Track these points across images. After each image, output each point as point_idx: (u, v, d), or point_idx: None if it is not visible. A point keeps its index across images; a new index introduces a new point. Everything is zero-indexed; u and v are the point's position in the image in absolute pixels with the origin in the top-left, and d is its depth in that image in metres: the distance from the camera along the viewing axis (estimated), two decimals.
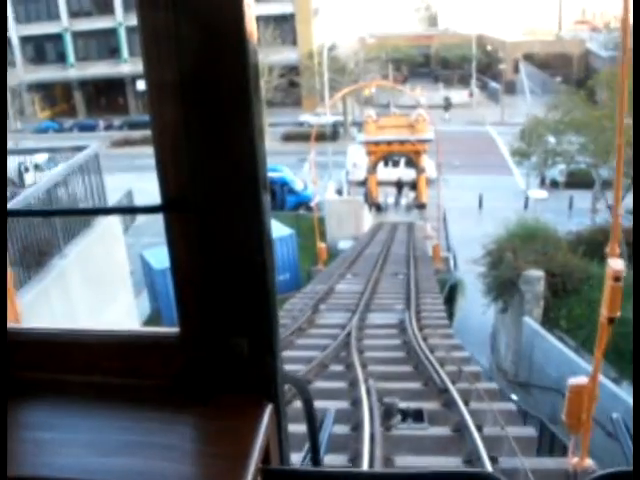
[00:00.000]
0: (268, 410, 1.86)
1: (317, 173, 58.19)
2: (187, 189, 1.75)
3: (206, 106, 1.69)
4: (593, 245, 26.35)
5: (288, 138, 68.48)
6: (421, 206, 49.70)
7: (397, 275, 24.81)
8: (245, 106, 1.68)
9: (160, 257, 33.06)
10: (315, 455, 2.40)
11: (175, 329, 1.93)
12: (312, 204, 50.76)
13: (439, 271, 31.79)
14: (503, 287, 23.30)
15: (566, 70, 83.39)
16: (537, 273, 22.25)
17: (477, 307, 29.73)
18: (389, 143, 49.38)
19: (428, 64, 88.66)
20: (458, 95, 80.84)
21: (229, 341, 1.89)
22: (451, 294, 32.64)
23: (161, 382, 1.94)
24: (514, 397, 18.13)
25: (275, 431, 1.91)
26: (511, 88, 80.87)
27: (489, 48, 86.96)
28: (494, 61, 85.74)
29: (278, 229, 38.37)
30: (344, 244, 40.83)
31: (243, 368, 1.90)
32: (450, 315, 27.48)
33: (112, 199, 44.74)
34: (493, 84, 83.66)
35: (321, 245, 35.20)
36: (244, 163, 1.72)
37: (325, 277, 25.36)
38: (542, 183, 54.49)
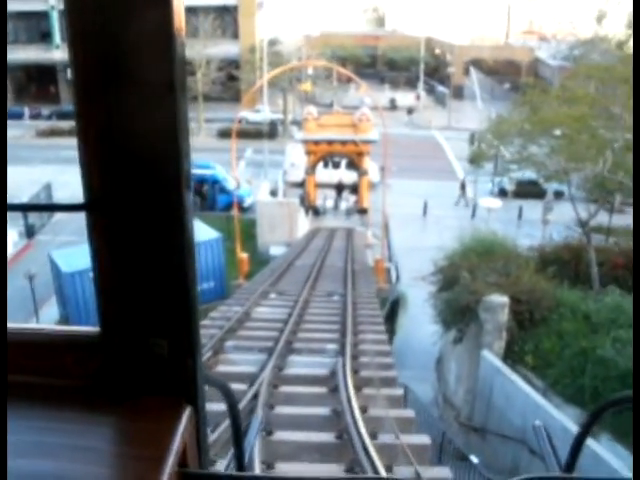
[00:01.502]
0: (187, 412, 1.81)
1: (253, 172, 54.64)
2: (110, 188, 1.69)
3: (130, 103, 1.63)
4: (559, 264, 22.58)
5: (225, 134, 64.23)
6: (362, 211, 45.85)
7: (332, 296, 20.40)
8: (170, 103, 1.61)
9: (71, 259, 28.88)
10: (239, 461, 2.37)
11: (96, 329, 1.87)
12: (245, 205, 46.80)
13: (382, 291, 27.14)
14: (458, 313, 19.02)
15: (514, 77, 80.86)
16: (500, 299, 18.08)
17: (421, 325, 26.29)
18: (330, 142, 45.44)
19: (374, 65, 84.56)
20: (404, 97, 77.21)
21: (149, 342, 1.82)
22: (392, 310, 28.61)
23: (80, 382, 1.87)
24: (474, 459, 14.29)
25: (194, 434, 1.86)
26: (459, 93, 77.70)
27: (437, 51, 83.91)
28: (442, 65, 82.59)
29: (204, 232, 34.35)
30: (276, 250, 36.59)
31: (163, 369, 1.84)
32: (391, 333, 23.45)
33: (28, 193, 41.09)
34: (440, 88, 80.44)
35: (242, 255, 30.55)
36: (168, 162, 1.66)
37: (244, 295, 20.75)
38: (492, 191, 51.42)
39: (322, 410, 10.85)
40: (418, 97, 77.27)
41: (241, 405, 9.99)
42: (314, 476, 2.02)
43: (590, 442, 12.19)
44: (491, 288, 18.46)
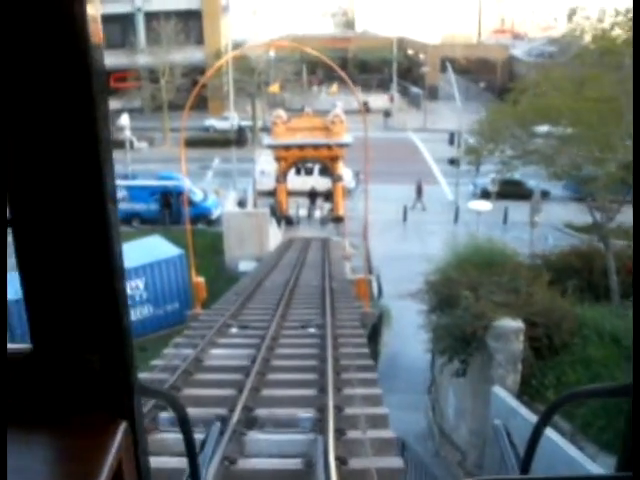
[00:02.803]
0: (121, 427, 1.76)
1: (222, 182, 51.16)
2: (32, 203, 1.65)
3: (45, 114, 1.57)
4: (569, 274, 19.19)
5: (191, 144, 60.42)
6: (338, 219, 42.47)
7: (307, 328, 16.64)
8: (87, 112, 1.57)
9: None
10: (194, 473, 2.32)
11: (27, 346, 1.81)
12: (213, 217, 43.19)
13: (367, 316, 23.01)
14: (460, 342, 15.41)
15: (489, 76, 78.03)
16: (513, 324, 14.51)
17: (408, 342, 24.27)
18: (301, 147, 42.01)
19: (345, 68, 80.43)
20: (377, 100, 73.72)
21: (81, 357, 1.77)
22: (375, 327, 25.04)
23: (12, 401, 1.79)
24: None
25: (131, 449, 1.82)
26: (433, 93, 74.54)
27: (410, 52, 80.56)
28: (415, 65, 79.40)
29: (164, 248, 30.73)
30: (245, 266, 33.03)
31: (95, 385, 1.79)
32: (374, 354, 19.96)
33: None
34: (414, 89, 77.10)
35: (197, 280, 25.73)
36: (90, 174, 1.62)
37: (198, 331, 16.81)
38: (473, 192, 48.38)
39: None
40: (392, 99, 73.86)
41: None
42: None
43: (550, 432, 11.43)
44: (500, 310, 14.92)
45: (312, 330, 15.92)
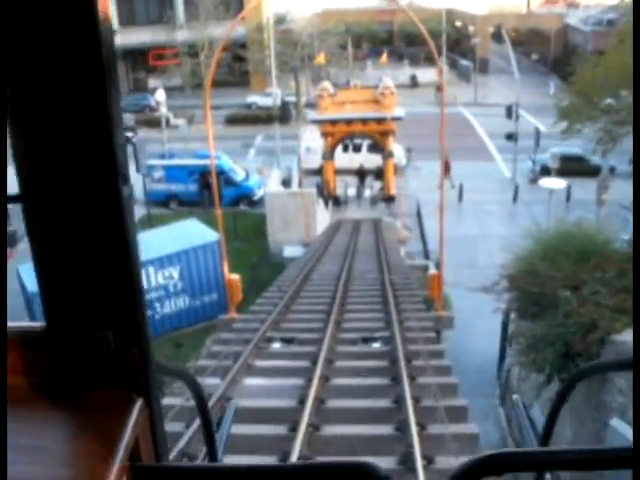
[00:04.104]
0: (138, 404, 1.75)
1: (265, 161, 47.94)
2: (45, 179, 1.64)
3: (59, 93, 1.56)
4: None
5: (232, 121, 58.07)
6: (389, 199, 39.03)
7: (370, 342, 12.74)
8: (99, 92, 1.55)
9: None
10: (211, 452, 2.30)
11: (41, 324, 1.80)
12: (256, 197, 39.87)
13: (443, 322, 18.40)
14: (564, 359, 11.83)
15: (541, 48, 73.45)
16: None
17: (472, 338, 21.74)
18: (349, 122, 38.51)
19: (391, 41, 76.84)
20: (426, 74, 69.66)
21: (95, 334, 1.76)
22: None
23: (27, 379, 1.80)
24: None
25: (147, 426, 1.81)
26: (483, 66, 70.26)
27: (458, 23, 75.94)
28: (463, 37, 74.95)
29: (201, 233, 27.51)
30: (291, 251, 29.71)
31: (110, 362, 1.77)
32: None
33: None
34: (463, 62, 72.67)
35: (232, 277, 20.64)
36: (100, 151, 1.60)
37: (230, 346, 12.67)
38: (532, 169, 44.59)
39: None
40: (441, 72, 69.73)
41: None
42: (282, 464, 1.99)
43: None
44: (619, 321, 11.33)
45: (376, 345, 12.37)
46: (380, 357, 11.91)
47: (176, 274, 26.21)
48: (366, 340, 12.68)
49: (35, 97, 1.54)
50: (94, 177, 1.60)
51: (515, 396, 3.82)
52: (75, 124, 1.56)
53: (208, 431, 2.27)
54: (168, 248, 25.86)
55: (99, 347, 1.74)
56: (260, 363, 11.84)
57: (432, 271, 18.22)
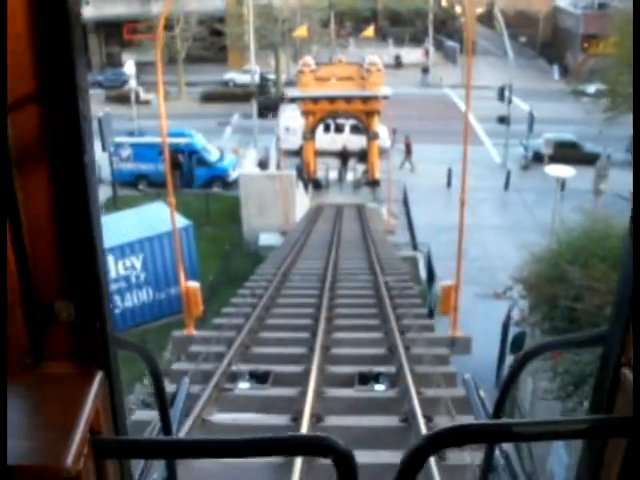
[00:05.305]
0: (98, 377, 1.74)
1: (241, 140, 45.02)
2: (5, 153, 1.60)
3: (21, 63, 1.54)
4: None
5: (208, 99, 55.23)
6: (373, 183, 36.19)
7: (370, 383, 9.24)
8: (65, 62, 1.54)
9: None
10: (165, 426, 2.34)
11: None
12: (230, 179, 36.78)
13: (457, 345, 14.83)
14: None
15: (529, 30, 70.67)
16: None
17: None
18: (332, 100, 35.67)
19: (375, 20, 73.54)
20: (410, 54, 66.84)
21: (55, 306, 1.74)
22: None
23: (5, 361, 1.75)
24: None
25: (107, 399, 1.80)
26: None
27: (444, 3, 72.89)
28: (449, 18, 71.88)
29: (166, 218, 24.28)
30: (267, 239, 26.81)
31: (71, 334, 1.77)
32: None
33: None
34: (450, 43, 69.70)
35: (190, 286, 15.55)
36: (65, 120, 1.58)
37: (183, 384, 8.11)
38: (524, 155, 42.07)
39: None
40: (427, 53, 66.83)
41: None
42: (241, 438, 1.52)
43: None
44: None
45: (380, 388, 9.37)
46: (388, 409, 8.57)
47: (139, 264, 23.29)
48: (365, 378, 9.35)
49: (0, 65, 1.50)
50: (58, 149, 1.57)
51: (467, 375, 3.83)
52: (41, 92, 1.53)
53: (163, 406, 2.25)
54: (130, 235, 22.96)
55: (60, 319, 1.71)
56: (218, 418, 8.28)
57: (445, 282, 14.32)
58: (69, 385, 1.70)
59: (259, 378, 9.24)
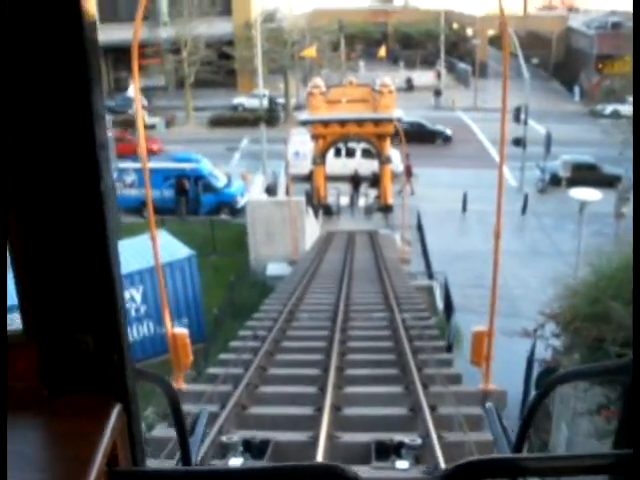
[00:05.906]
0: (116, 409, 1.71)
1: (249, 165, 43.78)
2: (22, 182, 1.58)
3: (40, 95, 1.50)
4: None
5: (217, 123, 54.11)
6: (386, 209, 34.71)
7: (392, 456, 7.39)
8: (82, 91, 1.50)
9: None
10: (185, 456, 2.33)
11: (18, 328, 1.74)
12: (238, 205, 35.43)
13: (493, 401, 13.39)
14: None
15: (541, 52, 69.35)
16: None
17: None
18: (343, 123, 34.39)
19: (386, 42, 72.51)
20: (422, 77, 65.72)
21: (73, 338, 1.70)
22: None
23: (5, 385, 1.72)
24: None
25: (125, 431, 1.76)
26: (482, 70, 66.02)
27: (455, 26, 71.80)
28: (462, 40, 70.75)
29: (170, 248, 23.19)
30: (275, 269, 25.44)
31: (89, 366, 1.73)
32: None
33: None
34: (462, 65, 68.54)
35: (178, 332, 12.16)
36: (81, 152, 1.54)
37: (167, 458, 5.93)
38: (541, 178, 40.74)
39: None
40: (438, 75, 65.68)
41: None
42: (260, 466, 1.68)
43: None
44: None
45: (403, 466, 7.73)
46: None
47: (138, 296, 21.93)
48: (384, 450, 7.59)
49: (17, 93, 1.48)
50: (74, 178, 1.56)
51: (488, 404, 3.96)
52: (58, 124, 1.51)
53: (182, 436, 2.26)
54: (129, 265, 21.53)
55: (78, 351, 1.69)
56: None
57: (477, 328, 12.49)
58: (87, 418, 1.66)
59: (255, 450, 7.63)
